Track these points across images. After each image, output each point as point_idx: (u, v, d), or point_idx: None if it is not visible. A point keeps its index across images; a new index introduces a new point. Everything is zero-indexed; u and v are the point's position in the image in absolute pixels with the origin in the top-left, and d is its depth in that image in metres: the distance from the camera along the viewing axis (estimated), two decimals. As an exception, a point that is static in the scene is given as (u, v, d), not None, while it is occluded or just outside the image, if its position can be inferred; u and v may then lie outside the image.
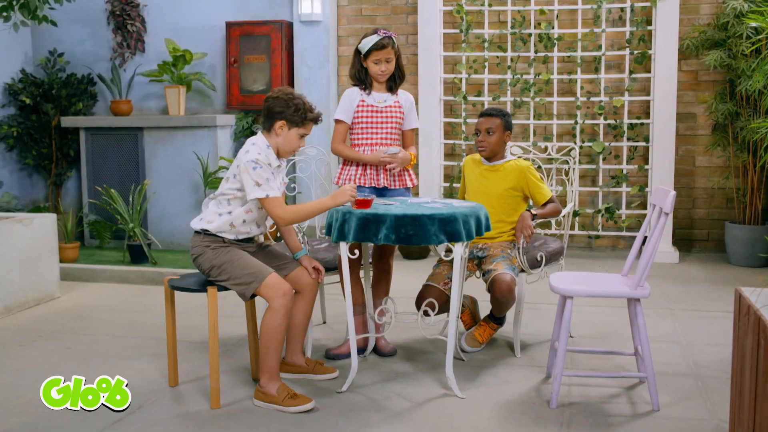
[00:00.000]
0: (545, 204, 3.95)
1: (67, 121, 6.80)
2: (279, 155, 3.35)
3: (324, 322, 4.47)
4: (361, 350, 3.86)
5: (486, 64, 6.41)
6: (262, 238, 3.66)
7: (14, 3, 4.87)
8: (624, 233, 6.30)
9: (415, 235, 3.25)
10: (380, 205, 3.44)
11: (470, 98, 6.45)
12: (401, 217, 3.24)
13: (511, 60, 6.37)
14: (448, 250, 3.94)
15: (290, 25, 6.71)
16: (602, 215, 6.29)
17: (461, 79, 6.44)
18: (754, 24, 4.07)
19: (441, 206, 3.43)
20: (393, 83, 3.82)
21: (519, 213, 3.91)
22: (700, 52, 6.05)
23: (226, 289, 3.29)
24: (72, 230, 6.03)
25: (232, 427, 3.07)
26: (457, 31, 6.41)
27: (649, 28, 6.11)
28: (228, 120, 6.66)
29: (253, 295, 3.26)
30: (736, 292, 2.38)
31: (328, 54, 6.65)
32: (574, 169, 4.23)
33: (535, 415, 3.15)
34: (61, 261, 5.94)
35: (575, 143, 6.26)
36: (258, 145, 3.30)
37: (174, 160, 6.56)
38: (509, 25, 6.33)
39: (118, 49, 7.08)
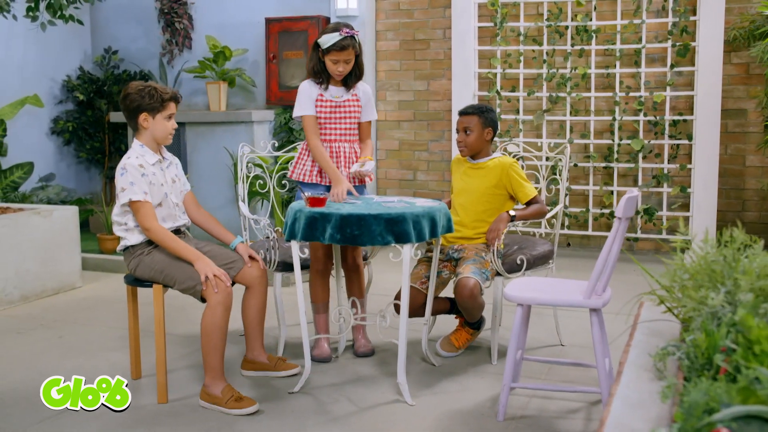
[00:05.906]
0: (529, 204, 3.77)
1: (115, 117, 7.04)
2: (159, 144, 3.36)
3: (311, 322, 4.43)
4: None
5: (521, 58, 6.18)
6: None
7: (40, 2, 5.05)
8: (665, 236, 5.93)
9: (360, 235, 3.15)
10: (335, 204, 3.37)
11: (504, 93, 6.23)
12: (347, 216, 3.16)
13: (547, 54, 6.11)
14: (428, 250, 3.83)
15: (327, 21, 6.68)
16: (641, 217, 5.95)
17: (495, 74, 6.23)
18: (767, 12, 3.73)
19: (400, 206, 3.32)
20: (349, 80, 3.71)
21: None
22: (750, 43, 5.61)
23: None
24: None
25: (169, 423, 3.08)
26: (492, 24, 6.21)
27: (692, 18, 5.72)
28: (266, 115, 6.72)
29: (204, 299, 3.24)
30: (639, 305, 2.17)
31: (366, 49, 6.57)
32: (566, 167, 4.00)
33: (477, 427, 3.00)
34: (100, 252, 6.18)
35: (613, 140, 5.95)
36: (131, 149, 3.33)
37: (214, 155, 6.67)
38: (545, 17, 6.07)
39: (166, 47, 7.27)
